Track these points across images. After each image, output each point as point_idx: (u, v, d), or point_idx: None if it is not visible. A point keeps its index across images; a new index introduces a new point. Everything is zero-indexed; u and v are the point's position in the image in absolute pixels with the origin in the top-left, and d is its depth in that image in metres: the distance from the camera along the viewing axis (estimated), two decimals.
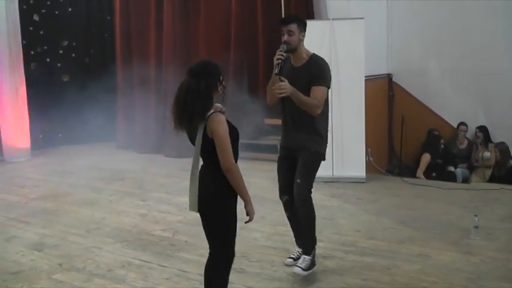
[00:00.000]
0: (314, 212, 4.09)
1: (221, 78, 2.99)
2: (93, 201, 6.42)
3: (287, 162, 4.20)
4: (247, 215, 3.03)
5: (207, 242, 3.20)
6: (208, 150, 2.94)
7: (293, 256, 4.30)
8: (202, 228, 3.16)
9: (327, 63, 4.05)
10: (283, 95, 3.80)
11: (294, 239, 4.42)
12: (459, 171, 7.85)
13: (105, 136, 10.14)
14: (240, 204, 3.03)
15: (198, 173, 2.99)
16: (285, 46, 3.94)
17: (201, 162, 3.06)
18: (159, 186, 7.08)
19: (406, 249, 4.56)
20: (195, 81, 2.91)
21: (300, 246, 4.31)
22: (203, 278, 3.15)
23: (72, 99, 9.49)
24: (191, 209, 3.06)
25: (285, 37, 3.95)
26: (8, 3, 8.74)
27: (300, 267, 4.04)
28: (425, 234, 4.91)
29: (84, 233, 5.27)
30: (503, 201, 5.98)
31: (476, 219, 4.80)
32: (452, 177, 7.73)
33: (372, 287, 3.89)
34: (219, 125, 2.90)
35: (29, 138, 9.27)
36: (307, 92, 3.90)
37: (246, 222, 3.04)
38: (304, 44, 4.14)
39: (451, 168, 7.92)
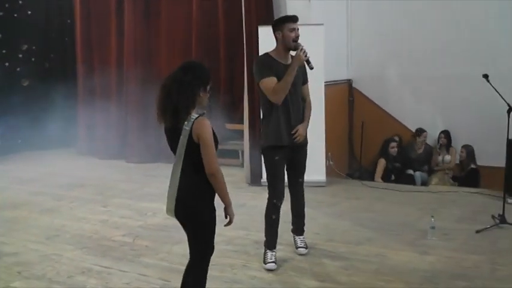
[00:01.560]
0: None
1: (208, 86, 2.97)
2: (53, 209, 6.33)
3: (284, 163, 4.35)
4: (228, 217, 3.05)
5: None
6: (192, 155, 2.90)
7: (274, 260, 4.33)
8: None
9: None
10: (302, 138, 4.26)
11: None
12: (418, 174, 8.03)
13: (66, 142, 9.97)
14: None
15: (178, 177, 2.93)
16: (300, 43, 4.14)
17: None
18: (120, 192, 7.03)
19: (364, 250, 4.66)
20: (181, 73, 2.92)
21: (294, 232, 4.67)
22: (180, 282, 3.12)
23: (32, 104, 9.29)
24: (168, 213, 3.01)
25: (298, 33, 4.18)
26: None
27: (303, 248, 4.57)
28: (383, 236, 5.03)
29: (43, 240, 5.20)
30: (460, 203, 6.14)
31: (433, 220, 4.93)
32: (411, 181, 7.91)
33: (329, 287, 3.96)
34: (205, 128, 2.87)
35: None
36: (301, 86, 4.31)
37: (225, 225, 3.06)
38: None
39: (410, 172, 8.12)
